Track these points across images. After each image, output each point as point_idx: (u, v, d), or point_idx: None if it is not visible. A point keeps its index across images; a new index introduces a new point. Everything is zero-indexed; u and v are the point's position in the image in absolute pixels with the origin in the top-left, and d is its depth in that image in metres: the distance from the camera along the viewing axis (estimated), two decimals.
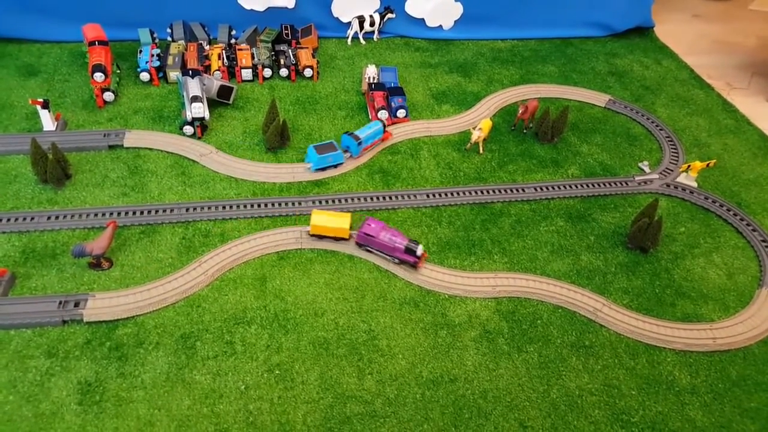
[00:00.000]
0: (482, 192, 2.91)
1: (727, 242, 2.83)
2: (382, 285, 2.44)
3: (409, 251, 2.46)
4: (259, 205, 2.69)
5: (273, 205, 2.71)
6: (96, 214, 2.55)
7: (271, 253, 2.51)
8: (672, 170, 3.17)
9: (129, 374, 2.06)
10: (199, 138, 3.00)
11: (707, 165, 3.07)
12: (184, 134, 2.99)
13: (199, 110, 2.90)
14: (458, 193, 2.89)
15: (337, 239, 2.55)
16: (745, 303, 2.56)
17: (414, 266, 2.50)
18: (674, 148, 3.33)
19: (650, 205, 2.66)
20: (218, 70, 3.32)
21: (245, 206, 2.68)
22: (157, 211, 2.60)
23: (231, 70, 3.40)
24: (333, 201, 2.76)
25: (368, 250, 2.53)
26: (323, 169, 2.90)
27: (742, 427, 2.14)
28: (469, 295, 2.45)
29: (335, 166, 2.93)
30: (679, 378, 2.26)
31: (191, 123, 2.95)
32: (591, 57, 4.09)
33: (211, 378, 2.07)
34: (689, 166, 3.07)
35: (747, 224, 2.90)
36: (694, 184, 3.09)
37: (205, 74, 3.15)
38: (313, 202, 2.74)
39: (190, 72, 2.99)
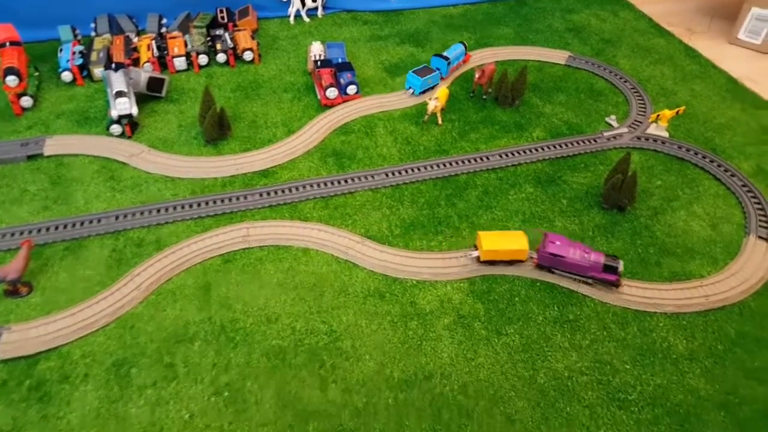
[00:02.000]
0: (445, 165, 2.63)
1: (707, 191, 2.59)
2: (342, 278, 2.13)
3: (609, 269, 2.09)
4: (199, 204, 2.35)
5: (215, 202, 2.37)
6: (13, 234, 2.20)
7: (215, 256, 2.18)
8: (641, 122, 2.92)
9: (53, 416, 1.72)
10: (128, 137, 2.64)
11: (677, 112, 2.83)
12: (111, 134, 2.64)
13: (125, 106, 2.55)
14: (419, 169, 2.60)
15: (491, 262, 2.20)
16: (734, 254, 2.32)
17: (615, 285, 2.14)
18: (641, 100, 3.08)
19: (622, 160, 2.41)
20: (148, 61, 2.95)
21: (183, 207, 2.34)
22: (82, 223, 2.25)
23: (162, 61, 3.04)
24: (283, 191, 2.43)
25: (551, 272, 2.18)
26: (425, 92, 3.02)
27: (749, 391, 1.90)
28: (439, 278, 2.15)
29: (432, 88, 3.04)
30: (674, 344, 2.00)
31: (118, 121, 2.59)
32: (547, 15, 3.82)
33: (149, 409, 1.74)
34: (658, 115, 2.83)
35: (725, 170, 2.66)
36: (666, 134, 2.84)
37: (131, 67, 2.78)
38: (261, 195, 2.40)
39: (113, 66, 2.62)
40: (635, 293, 2.12)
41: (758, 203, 2.49)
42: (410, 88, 3.02)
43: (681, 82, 3.23)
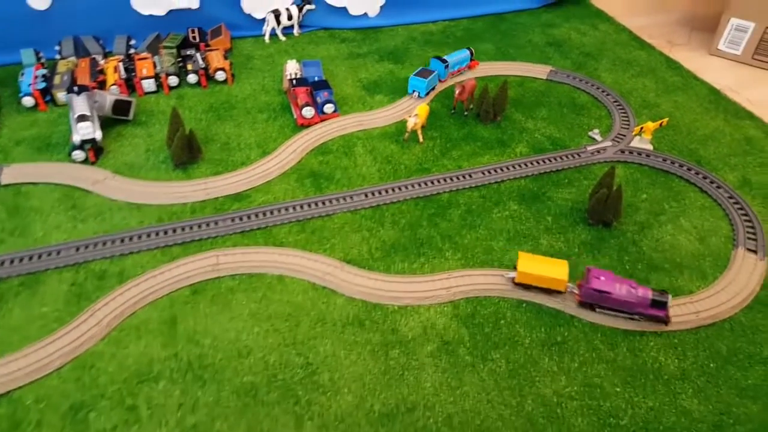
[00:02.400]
0: (426, 183, 2.54)
1: (693, 204, 2.51)
2: (319, 306, 2.02)
3: (657, 304, 1.98)
4: (166, 232, 2.23)
5: (184, 229, 2.25)
6: None
7: (183, 287, 2.05)
8: (624, 135, 2.85)
9: None
10: (92, 163, 2.52)
11: (660, 125, 2.77)
12: (74, 161, 2.51)
13: (88, 130, 2.43)
14: (400, 188, 2.50)
15: (525, 287, 2.09)
16: (723, 267, 2.24)
17: (664, 322, 2.02)
18: (624, 113, 3.01)
19: (607, 174, 2.33)
20: (115, 84, 2.85)
21: (149, 235, 2.22)
22: (40, 256, 2.11)
23: (130, 83, 2.93)
24: (257, 215, 2.32)
25: (593, 310, 2.05)
26: (428, 94, 3.08)
27: (743, 410, 1.80)
28: (421, 302, 2.05)
29: (433, 89, 3.13)
30: (665, 364, 1.91)
31: (81, 147, 2.47)
32: (527, 30, 3.77)
33: None
34: (642, 128, 2.76)
35: (710, 182, 2.59)
36: (650, 147, 2.78)
37: (96, 90, 2.67)
38: (233, 220, 2.30)
39: (76, 89, 2.51)
40: None
41: (745, 215, 2.42)
42: (414, 91, 3.05)
43: (663, 94, 3.18)
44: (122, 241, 2.19)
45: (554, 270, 2.05)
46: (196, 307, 2.00)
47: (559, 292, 2.08)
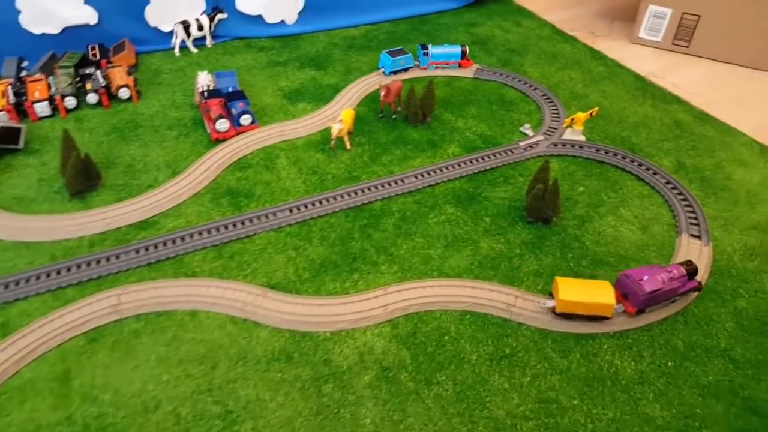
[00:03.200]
0: (357, 193, 2.28)
1: (631, 192, 2.35)
2: (239, 342, 1.71)
3: (692, 274, 1.85)
4: (59, 272, 1.88)
5: (80, 267, 1.90)
6: None
7: (78, 335, 1.71)
8: (556, 128, 2.67)
9: None
10: None
11: (590, 114, 2.61)
12: None
13: None
14: (328, 200, 2.24)
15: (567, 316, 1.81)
16: (669, 256, 2.08)
17: (699, 290, 1.90)
18: (553, 106, 2.84)
19: (541, 169, 2.13)
20: (2, 110, 2.45)
21: (39, 278, 1.86)
22: None
23: (21, 108, 2.54)
24: (165, 243, 1.99)
25: (643, 312, 1.83)
26: (395, 73, 3.01)
27: (709, 411, 1.62)
28: (357, 325, 1.78)
29: (405, 70, 3.03)
30: (622, 368, 1.71)
31: None
32: (450, 30, 3.58)
33: None
34: (572, 119, 2.59)
35: (646, 168, 2.45)
36: (582, 138, 2.61)
37: None
38: (137, 251, 1.96)
39: None
40: None
41: (685, 200, 2.27)
42: (382, 67, 3.02)
43: (590, 85, 3.03)
44: (6, 287, 1.82)
45: (600, 295, 1.78)
46: (94, 357, 1.66)
47: (603, 318, 1.81)
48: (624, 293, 1.82)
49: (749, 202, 2.30)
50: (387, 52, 3.00)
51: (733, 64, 3.27)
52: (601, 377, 1.67)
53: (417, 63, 3.06)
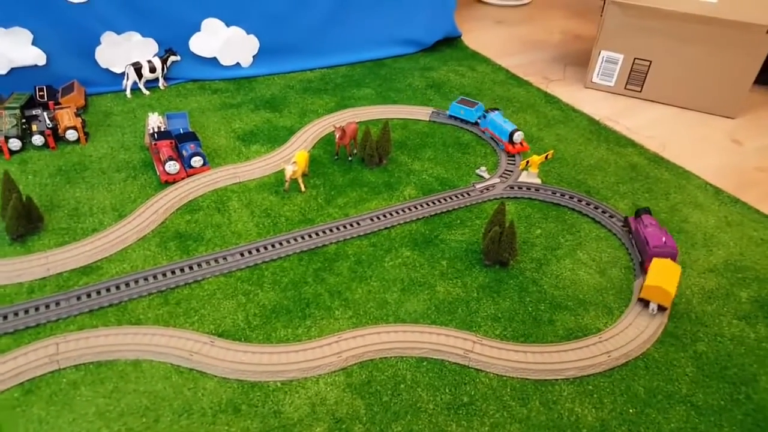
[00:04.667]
0: (311, 236, 2.28)
1: (588, 235, 2.40)
2: (184, 393, 1.67)
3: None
4: None
5: (17, 314, 1.84)
6: None
7: (12, 387, 1.64)
8: (512, 171, 2.73)
9: None
10: None
11: (546, 157, 2.67)
12: None
13: None
14: (281, 243, 2.23)
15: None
16: (627, 300, 2.11)
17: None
18: None
19: (498, 211, 2.17)
20: None
21: None
22: None
23: None
24: (108, 289, 1.94)
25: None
26: (455, 118, 3.10)
27: None
28: (309, 374, 1.75)
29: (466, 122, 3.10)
30: (583, 415, 1.71)
31: None
32: (406, 74, 3.66)
33: None
34: (528, 162, 2.65)
35: (602, 211, 2.51)
36: (538, 181, 2.67)
37: None
38: (78, 298, 1.91)
39: None
40: (532, 359, 1.82)
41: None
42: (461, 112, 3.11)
43: (545, 128, 3.13)
44: None
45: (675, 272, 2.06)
46: (28, 410, 1.59)
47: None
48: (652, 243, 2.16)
49: (706, 244, 2.37)
50: (460, 98, 3.14)
51: (685, 108, 3.43)
52: (561, 426, 1.67)
53: (478, 120, 3.05)
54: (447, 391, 1.74)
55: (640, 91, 3.50)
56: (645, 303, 2.03)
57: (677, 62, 3.34)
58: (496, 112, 2.98)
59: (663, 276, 2.01)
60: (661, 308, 2.01)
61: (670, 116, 3.38)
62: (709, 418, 1.72)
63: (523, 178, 2.67)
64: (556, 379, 1.80)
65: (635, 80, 3.49)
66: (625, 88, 3.54)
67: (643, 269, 2.17)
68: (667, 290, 1.96)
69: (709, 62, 3.27)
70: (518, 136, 2.85)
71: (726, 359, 1.90)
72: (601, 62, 3.53)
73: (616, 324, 1.97)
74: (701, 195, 2.67)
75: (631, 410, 1.72)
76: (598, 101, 3.48)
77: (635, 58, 3.44)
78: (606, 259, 2.27)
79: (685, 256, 2.30)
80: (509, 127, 2.86)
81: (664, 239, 2.17)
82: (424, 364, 1.82)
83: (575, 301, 2.07)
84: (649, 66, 3.42)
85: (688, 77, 3.36)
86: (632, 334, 1.93)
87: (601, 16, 3.43)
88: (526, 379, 1.79)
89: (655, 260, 2.08)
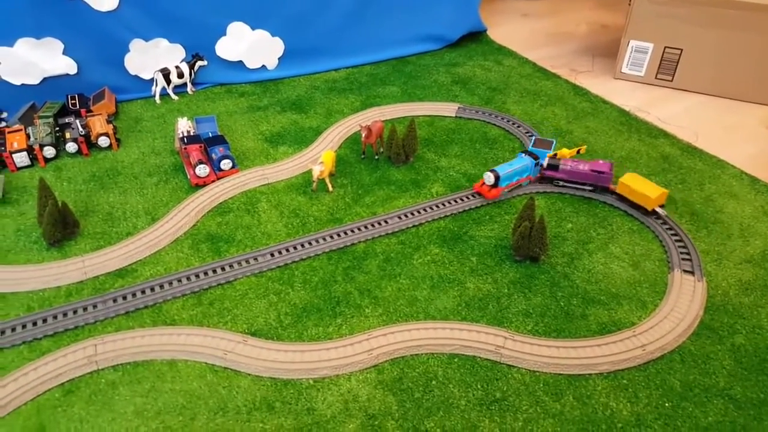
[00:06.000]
0: (339, 235, 2.30)
1: (620, 228, 2.38)
2: (219, 392, 1.71)
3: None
4: (35, 324, 1.88)
5: (56, 317, 1.91)
6: None
7: (53, 388, 1.70)
8: (541, 165, 2.68)
9: None
10: None
11: (577, 152, 2.66)
12: None
13: None
14: (310, 243, 2.26)
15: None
16: (662, 293, 2.08)
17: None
18: None
19: (527, 207, 2.17)
20: None
21: (14, 329, 1.86)
22: None
23: None
24: (143, 291, 2.00)
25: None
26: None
27: None
28: (341, 371, 1.78)
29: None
30: (618, 410, 1.70)
31: None
32: (431, 71, 3.67)
33: None
34: (557, 155, 2.60)
35: (662, 222, 2.45)
36: None
37: None
38: (114, 300, 1.97)
39: None
40: (565, 354, 1.82)
41: (675, 235, 2.30)
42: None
43: (575, 121, 3.10)
44: None
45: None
46: (69, 410, 1.65)
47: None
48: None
49: (742, 235, 2.33)
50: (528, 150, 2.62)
51: (718, 96, 3.38)
52: (596, 420, 1.66)
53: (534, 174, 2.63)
54: (479, 387, 1.75)
55: (672, 81, 3.45)
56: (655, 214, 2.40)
57: (709, 49, 3.28)
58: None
59: (648, 185, 2.42)
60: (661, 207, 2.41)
61: (702, 105, 3.32)
62: (749, 411, 1.69)
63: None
64: (590, 374, 1.79)
65: (666, 69, 3.44)
66: (655, 77, 3.49)
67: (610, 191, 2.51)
68: (665, 191, 2.41)
69: (741, 48, 3.20)
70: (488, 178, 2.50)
71: (765, 352, 1.87)
72: (630, 52, 3.49)
73: (650, 317, 1.96)
74: (736, 184, 2.63)
75: (667, 404, 1.71)
76: (627, 92, 3.44)
77: (666, 47, 3.38)
78: (639, 252, 2.24)
79: (721, 247, 2.27)
80: (523, 160, 2.56)
81: (601, 162, 2.53)
82: (456, 360, 1.83)
83: (608, 296, 2.06)
84: (680, 54, 3.36)
85: (721, 64, 3.29)
86: (667, 327, 1.91)
87: (629, 5, 3.39)
88: (559, 374, 1.79)
89: (627, 175, 2.46)
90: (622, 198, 2.47)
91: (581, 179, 2.53)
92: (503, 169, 2.49)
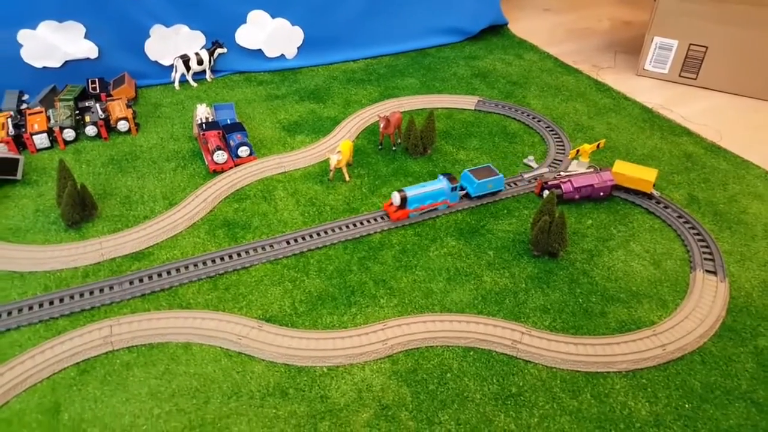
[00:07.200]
0: (355, 225, 2.29)
1: (642, 226, 2.34)
2: (233, 376, 1.70)
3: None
4: (51, 303, 1.89)
5: (73, 297, 1.91)
6: None
7: (69, 367, 1.71)
8: (561, 160, 2.69)
9: None
10: None
11: (597, 146, 2.62)
12: None
13: None
14: (326, 232, 2.25)
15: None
16: (683, 292, 2.05)
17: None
18: (558, 137, 2.86)
19: (547, 201, 2.14)
20: (1, 141, 2.51)
21: (32, 308, 1.87)
22: None
23: (20, 140, 2.60)
24: (160, 275, 2.00)
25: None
26: (481, 197, 2.46)
27: None
28: (355, 360, 1.77)
29: (494, 194, 2.49)
30: (636, 409, 1.67)
31: None
32: (451, 63, 3.64)
33: None
34: (578, 151, 2.60)
35: (657, 202, 2.43)
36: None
37: None
38: (131, 282, 1.97)
39: None
40: (583, 351, 1.79)
41: (698, 234, 2.26)
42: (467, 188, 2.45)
43: (596, 117, 3.06)
44: None
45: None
46: (84, 389, 1.65)
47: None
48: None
49: (766, 236, 2.28)
50: (469, 171, 2.44)
51: (742, 95, 3.32)
52: (613, 419, 1.64)
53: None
54: (495, 381, 1.73)
55: (696, 78, 3.40)
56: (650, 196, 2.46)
57: (735, 48, 3.22)
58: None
59: (640, 168, 2.47)
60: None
61: (726, 104, 3.27)
62: None
63: (573, 167, 2.61)
64: (608, 372, 1.77)
65: (690, 67, 3.39)
66: (679, 75, 3.43)
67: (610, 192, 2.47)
68: (656, 170, 2.47)
69: (767, 47, 3.14)
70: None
71: None
72: (654, 49, 3.44)
73: (671, 317, 1.93)
74: (761, 185, 2.58)
75: (686, 405, 1.68)
76: (650, 89, 3.40)
77: (690, 44, 3.33)
78: (660, 251, 2.21)
79: (744, 248, 2.22)
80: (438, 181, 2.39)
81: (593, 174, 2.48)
82: (471, 353, 1.81)
83: (628, 294, 2.03)
84: (705, 52, 3.31)
85: (747, 63, 3.23)
86: (688, 327, 1.88)
87: (655, 1, 3.34)
88: (577, 371, 1.77)
89: (617, 163, 2.48)
90: (618, 187, 2.48)
91: (594, 193, 2.45)
92: (412, 190, 2.31)
